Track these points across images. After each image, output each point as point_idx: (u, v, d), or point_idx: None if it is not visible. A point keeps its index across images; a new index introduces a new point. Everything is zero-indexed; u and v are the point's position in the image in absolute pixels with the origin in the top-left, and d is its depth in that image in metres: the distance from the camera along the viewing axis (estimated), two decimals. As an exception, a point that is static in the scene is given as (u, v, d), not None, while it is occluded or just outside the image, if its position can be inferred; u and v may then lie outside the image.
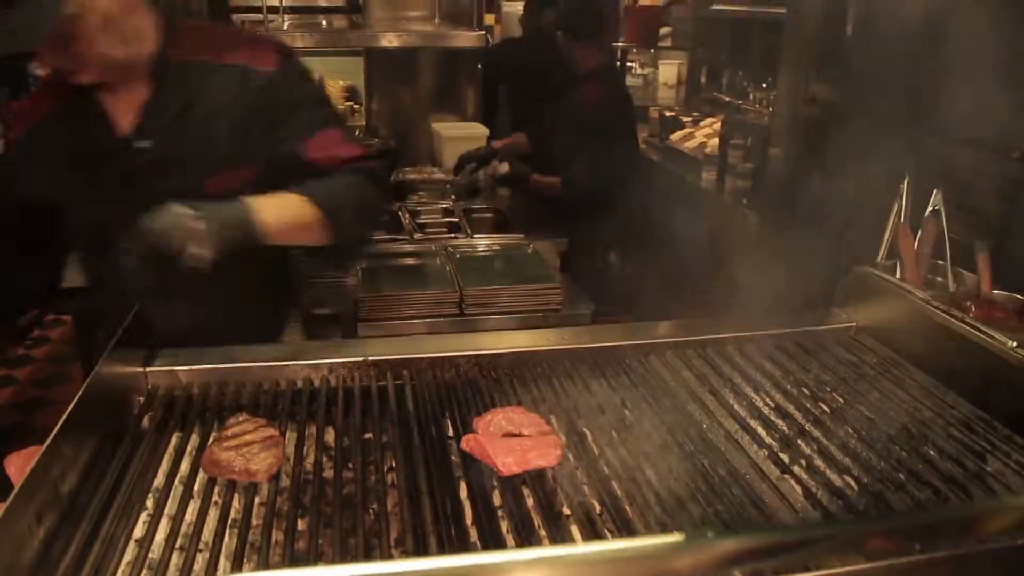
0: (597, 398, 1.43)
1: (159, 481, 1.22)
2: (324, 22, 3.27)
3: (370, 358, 1.55)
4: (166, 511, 1.15)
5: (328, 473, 1.23)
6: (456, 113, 3.55)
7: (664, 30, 4.95)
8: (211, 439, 1.26)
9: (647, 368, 1.57)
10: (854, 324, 1.74)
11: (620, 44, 4.79)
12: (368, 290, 2.38)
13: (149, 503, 1.17)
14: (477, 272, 2.54)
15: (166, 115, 1.57)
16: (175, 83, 1.57)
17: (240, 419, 1.29)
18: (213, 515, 1.14)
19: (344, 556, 1.05)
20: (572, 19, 3.11)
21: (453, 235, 2.83)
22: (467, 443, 1.28)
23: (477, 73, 3.54)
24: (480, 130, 3.38)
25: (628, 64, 5.10)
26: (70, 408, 1.18)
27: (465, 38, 2.46)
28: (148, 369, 1.49)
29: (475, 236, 2.79)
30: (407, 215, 2.90)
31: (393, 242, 2.73)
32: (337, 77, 5.03)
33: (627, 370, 1.54)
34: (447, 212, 3.02)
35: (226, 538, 1.09)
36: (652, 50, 5.20)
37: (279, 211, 1.55)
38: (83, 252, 1.74)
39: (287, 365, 1.54)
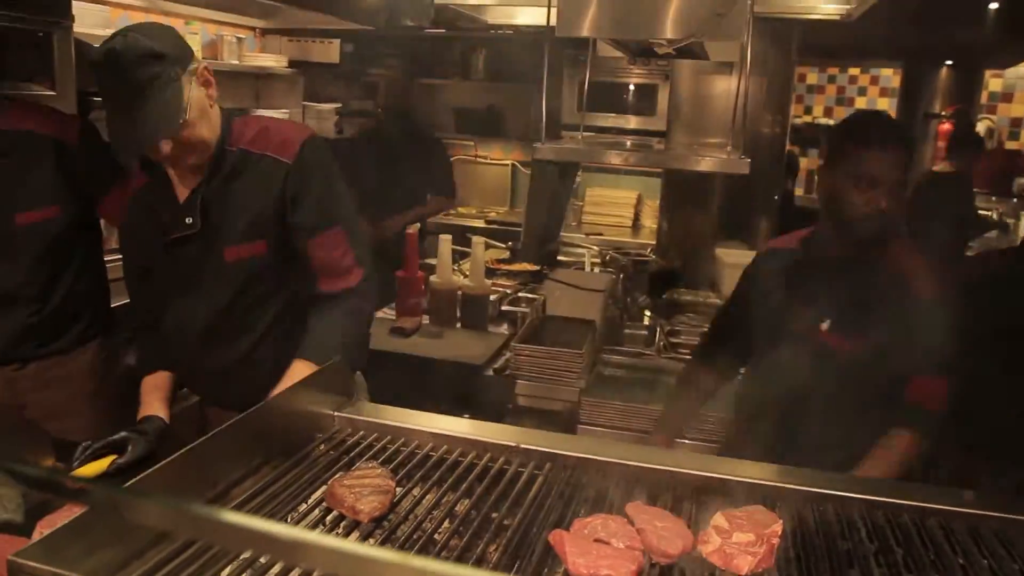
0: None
1: (299, 497, 1.42)
2: (628, 143, 3.49)
3: (522, 445, 1.63)
4: (286, 518, 1.34)
5: (419, 533, 1.33)
6: (745, 241, 3.52)
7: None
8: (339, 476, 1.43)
9: (815, 518, 1.43)
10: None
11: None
12: (593, 394, 2.46)
13: (283, 509, 1.37)
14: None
15: (209, 192, 1.85)
16: (224, 167, 1.85)
17: (369, 466, 1.45)
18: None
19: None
20: None
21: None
22: (554, 537, 1.30)
23: (773, 203, 3.50)
24: (764, 260, 3.31)
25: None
26: (240, 416, 1.44)
27: (726, 163, 2.49)
28: (336, 414, 1.73)
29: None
30: (663, 333, 2.93)
31: (639, 356, 2.78)
32: (635, 190, 5.26)
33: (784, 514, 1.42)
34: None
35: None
36: (1014, 199, 4.65)
37: None
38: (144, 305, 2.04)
39: (449, 435, 1.67)
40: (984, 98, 5.01)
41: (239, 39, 4.39)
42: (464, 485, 1.50)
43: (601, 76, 4.48)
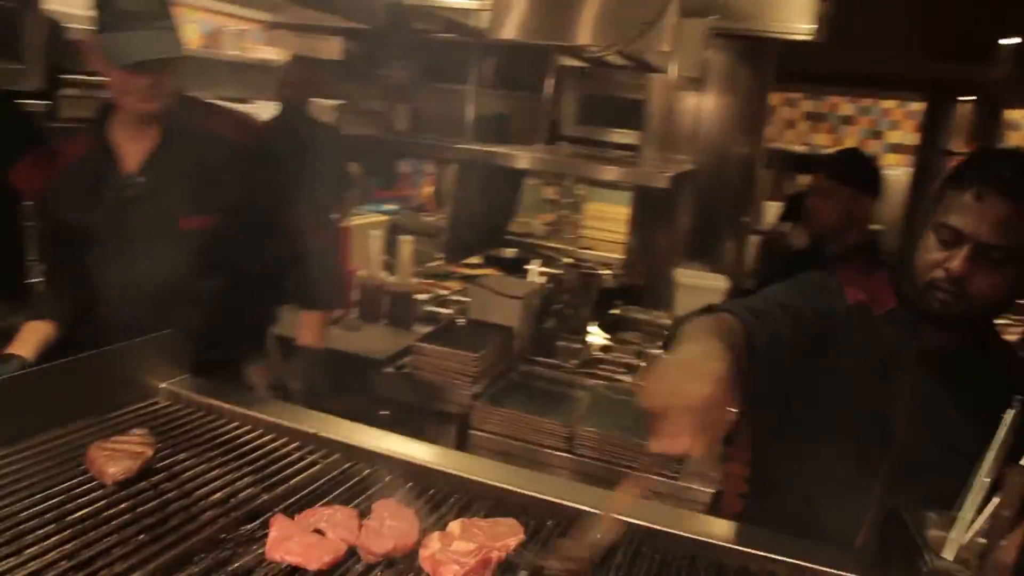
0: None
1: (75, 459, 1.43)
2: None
3: (320, 433, 1.62)
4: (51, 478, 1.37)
5: (150, 495, 1.33)
6: (708, 264, 3.41)
7: None
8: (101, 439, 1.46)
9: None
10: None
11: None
12: (488, 400, 2.43)
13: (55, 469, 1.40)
14: (608, 415, 2.43)
15: (164, 161, 1.98)
16: (177, 138, 1.99)
17: (138, 432, 1.47)
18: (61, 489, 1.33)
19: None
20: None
21: (618, 375, 2.72)
22: (274, 520, 1.28)
23: (740, 226, 3.38)
24: (720, 283, 3.20)
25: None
26: (63, 361, 1.58)
27: (654, 177, 2.43)
28: (162, 384, 1.76)
29: (638, 382, 2.66)
30: (591, 349, 2.87)
31: (556, 368, 2.73)
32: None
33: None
34: (640, 355, 2.91)
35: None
36: None
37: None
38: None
39: (260, 418, 1.68)
40: (1007, 136, 4.74)
41: (241, 31, 4.49)
42: (238, 461, 1.50)
43: (606, 89, 4.44)
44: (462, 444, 2.45)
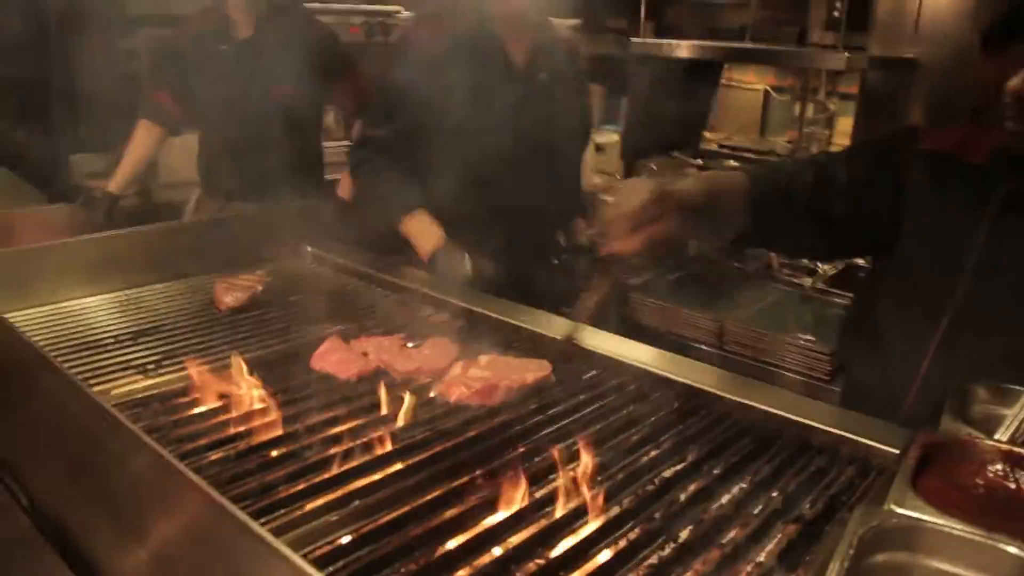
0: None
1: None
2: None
3: (432, 292, 1.74)
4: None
5: (250, 323, 1.58)
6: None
7: None
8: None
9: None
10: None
11: None
12: (645, 292, 2.42)
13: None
14: (765, 313, 2.31)
15: (547, 59, 2.02)
16: (550, 44, 2.05)
17: (257, 273, 1.73)
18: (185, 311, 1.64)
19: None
20: None
21: (796, 279, 2.54)
22: (327, 340, 1.45)
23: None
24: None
25: None
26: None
27: (825, 59, 2.22)
28: (310, 247, 2.01)
29: (821, 286, 2.47)
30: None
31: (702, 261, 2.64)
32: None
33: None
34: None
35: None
36: None
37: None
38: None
39: (382, 277, 1.84)
40: None
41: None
42: (341, 304, 1.71)
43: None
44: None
